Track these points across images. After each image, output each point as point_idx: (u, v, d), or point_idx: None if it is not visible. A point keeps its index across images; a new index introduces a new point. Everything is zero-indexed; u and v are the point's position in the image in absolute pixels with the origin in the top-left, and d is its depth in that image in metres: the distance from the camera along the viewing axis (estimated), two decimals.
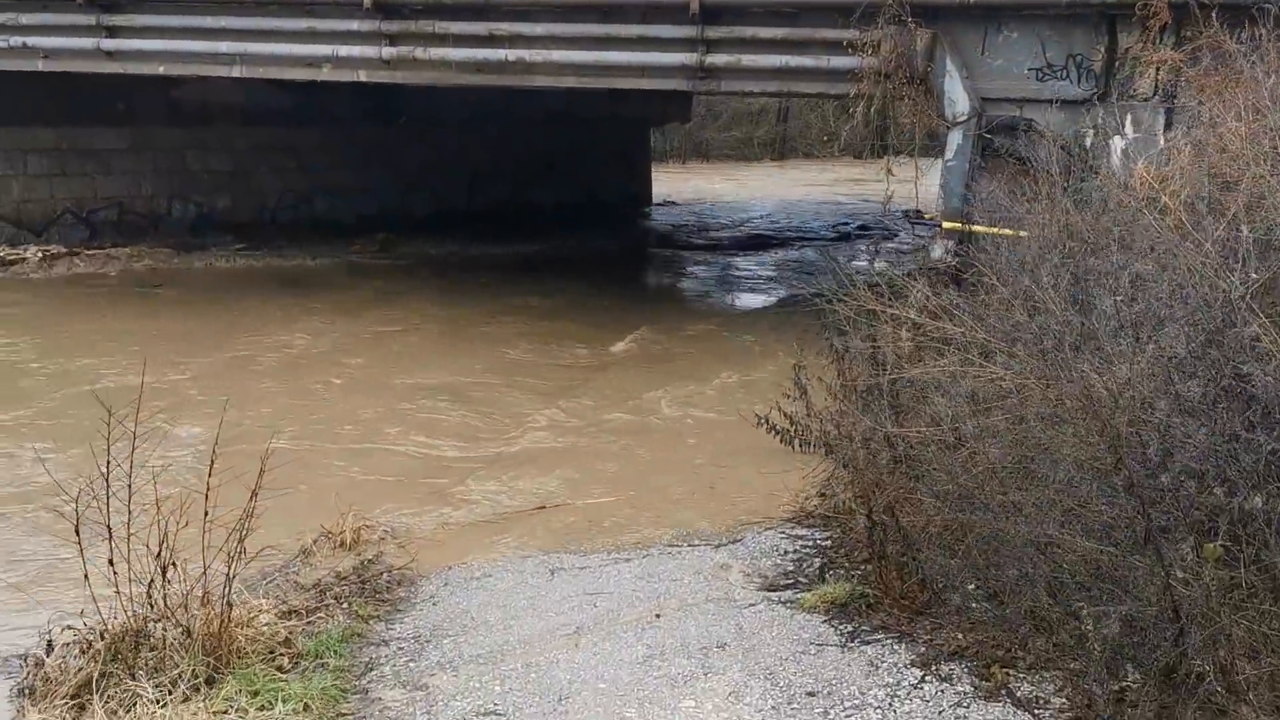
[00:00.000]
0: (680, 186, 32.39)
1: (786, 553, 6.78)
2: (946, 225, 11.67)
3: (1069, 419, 4.36)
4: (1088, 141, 11.73)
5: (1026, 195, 11.18)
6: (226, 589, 5.08)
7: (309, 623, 5.68)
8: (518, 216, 23.79)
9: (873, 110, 12.01)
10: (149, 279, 17.13)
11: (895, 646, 5.22)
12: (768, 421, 8.96)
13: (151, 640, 4.97)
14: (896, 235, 24.26)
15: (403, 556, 6.91)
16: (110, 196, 19.26)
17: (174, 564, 5.14)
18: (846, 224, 25.93)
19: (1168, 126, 11.51)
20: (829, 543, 6.86)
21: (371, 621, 5.84)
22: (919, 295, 6.86)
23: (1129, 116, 11.64)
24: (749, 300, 16.71)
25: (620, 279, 18.30)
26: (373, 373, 11.95)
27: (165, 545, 5.04)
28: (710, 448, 9.38)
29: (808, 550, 6.81)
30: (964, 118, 11.67)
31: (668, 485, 8.50)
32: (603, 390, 11.12)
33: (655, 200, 29.08)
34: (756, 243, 22.67)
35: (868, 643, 5.28)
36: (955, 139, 11.70)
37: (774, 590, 6.16)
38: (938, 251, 11.81)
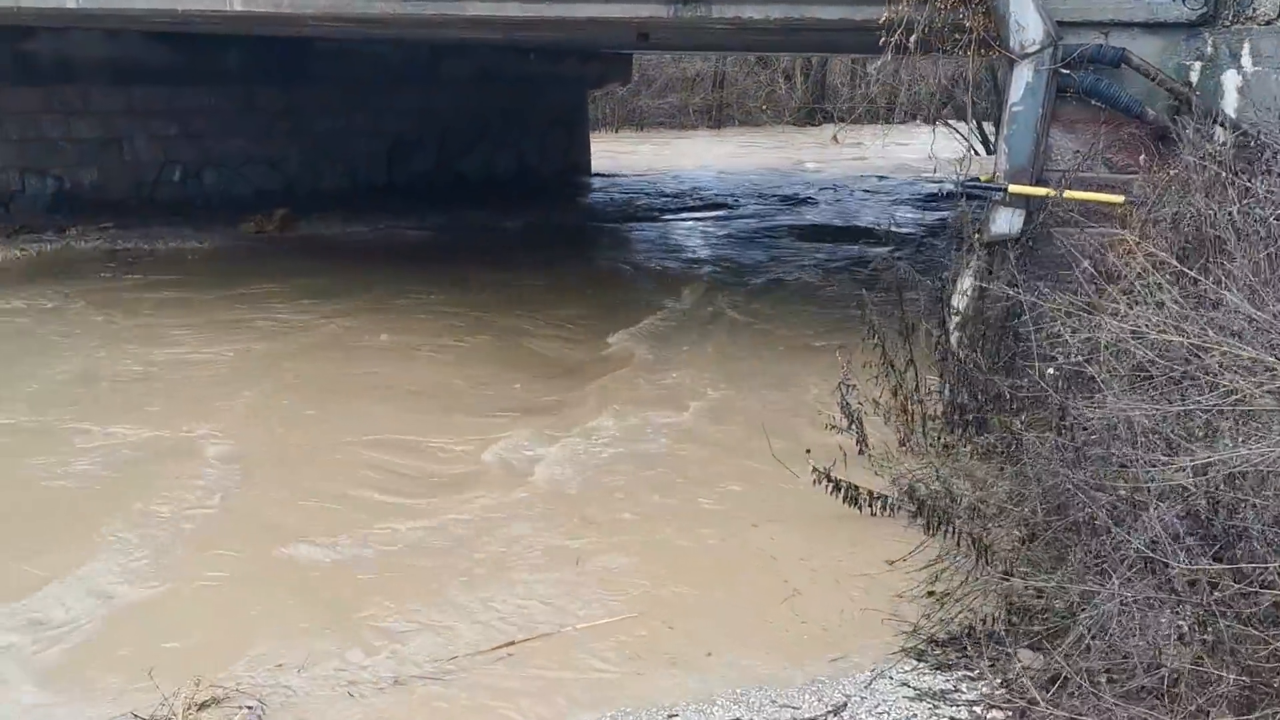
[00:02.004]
0: (618, 156, 29.54)
1: None
2: (1014, 190, 8.96)
3: None
4: (1192, 77, 9.10)
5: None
6: None
7: None
8: (444, 190, 20.87)
9: (912, 40, 9.17)
10: None
11: None
12: (829, 477, 6.22)
13: None
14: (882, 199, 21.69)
15: None
16: None
17: None
18: (812, 195, 23.33)
19: None
20: (1000, 710, 4.10)
21: None
22: None
23: (1246, 44, 9.05)
24: (729, 290, 13.74)
25: (566, 264, 15.35)
26: (244, 405, 8.70)
27: None
28: (746, 515, 6.52)
29: None
30: (1035, 47, 8.96)
31: (696, 587, 5.63)
32: (570, 428, 8.04)
33: (595, 171, 26.24)
34: (718, 217, 19.86)
35: None
36: (1024, 76, 8.97)
37: None
38: (1002, 224, 9.10)
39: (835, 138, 35.83)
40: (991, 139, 35.51)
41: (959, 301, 8.89)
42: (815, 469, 6.11)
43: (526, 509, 6.54)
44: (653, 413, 8.39)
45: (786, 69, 46.43)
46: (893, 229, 17.10)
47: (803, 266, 15.22)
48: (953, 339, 8.88)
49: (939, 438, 7.24)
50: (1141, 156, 8.85)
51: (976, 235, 8.96)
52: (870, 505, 6.20)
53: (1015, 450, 5.87)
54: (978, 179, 9.22)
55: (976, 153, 34.70)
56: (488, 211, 18.99)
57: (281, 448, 7.72)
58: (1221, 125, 8.80)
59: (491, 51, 21.76)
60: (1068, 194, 8.37)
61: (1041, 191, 8.60)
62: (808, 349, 10.39)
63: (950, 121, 36.57)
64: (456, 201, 19.55)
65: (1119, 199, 8.59)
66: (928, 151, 11.39)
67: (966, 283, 8.87)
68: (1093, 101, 8.92)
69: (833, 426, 7.11)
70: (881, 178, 26.36)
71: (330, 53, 18.91)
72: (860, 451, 7.03)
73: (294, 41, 18.21)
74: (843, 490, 6.13)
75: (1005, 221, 9.00)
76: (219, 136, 18.36)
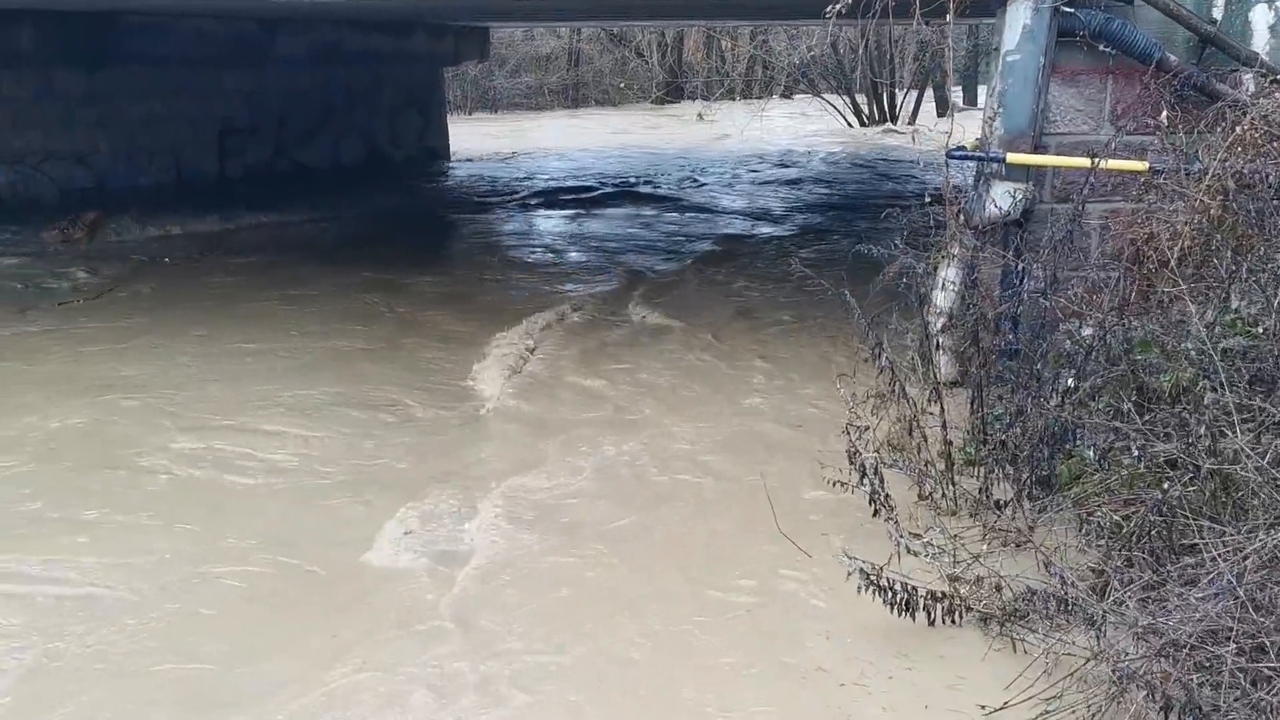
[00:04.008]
0: (476, 139, 27.27)
1: None
2: (1013, 159, 7.22)
3: None
4: (1216, 13, 7.53)
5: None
6: None
7: None
8: (285, 182, 18.45)
9: None
10: None
11: None
12: (877, 584, 4.32)
13: None
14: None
15: None
16: None
17: None
18: (691, 174, 21.54)
19: None
20: None
21: None
22: None
23: None
24: (634, 287, 11.62)
25: (427, 264, 13.15)
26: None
27: None
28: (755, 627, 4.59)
29: None
30: None
31: None
32: (479, 501, 6.03)
33: (455, 156, 24.00)
34: (604, 203, 17.84)
35: None
36: (1020, 16, 7.24)
37: None
38: (999, 203, 7.37)
39: (700, 115, 34.26)
40: (865, 111, 34.41)
41: (941, 299, 7.14)
42: (864, 573, 4.20)
43: (450, 654, 4.45)
44: (577, 478, 6.38)
45: (641, 45, 44.61)
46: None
47: (724, 252, 13.45)
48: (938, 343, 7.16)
49: (982, 489, 5.46)
50: (1163, 114, 7.18)
51: (960, 218, 7.17)
52: (929, 613, 4.34)
53: (1161, 533, 4.05)
54: (964, 147, 7.44)
55: (850, 125, 33.58)
56: (332, 204, 16.69)
57: None
58: (1255, 71, 7.24)
59: (331, 27, 19.40)
60: (1115, 163, 6.67)
61: (1067, 162, 6.87)
62: (753, 363, 8.56)
63: (823, 94, 35.34)
64: (297, 194, 17.18)
65: (1143, 166, 6.95)
66: (791, 126, 9.57)
67: (950, 273, 7.12)
68: (1102, 47, 7.23)
69: (840, 483, 5.25)
70: (791, 155, 24.67)
71: (143, 28, 16.33)
72: (875, 514, 5.14)
73: (99, 15, 15.62)
74: (897, 600, 4.23)
75: (1003, 199, 7.24)
76: (12, 128, 15.66)
